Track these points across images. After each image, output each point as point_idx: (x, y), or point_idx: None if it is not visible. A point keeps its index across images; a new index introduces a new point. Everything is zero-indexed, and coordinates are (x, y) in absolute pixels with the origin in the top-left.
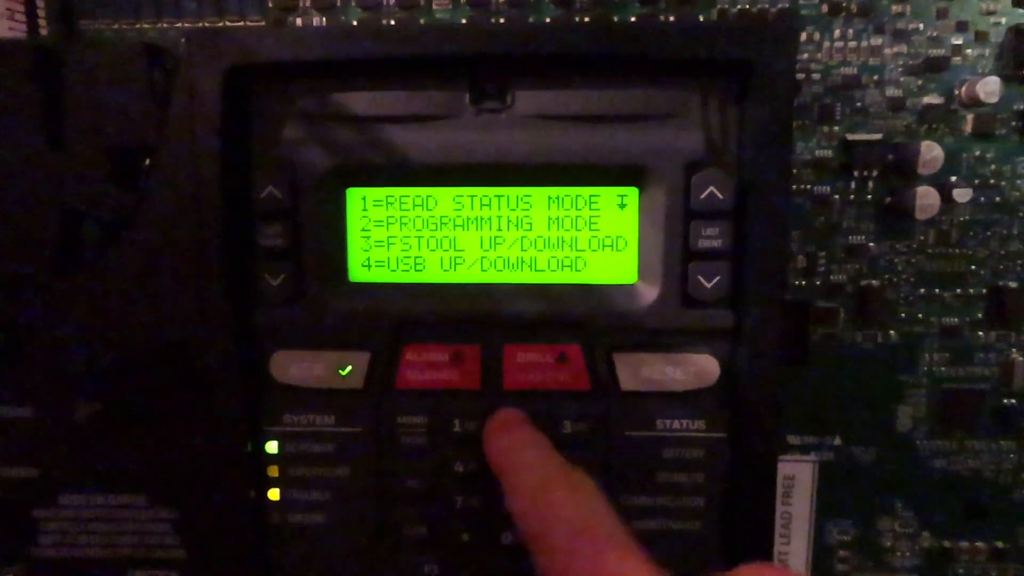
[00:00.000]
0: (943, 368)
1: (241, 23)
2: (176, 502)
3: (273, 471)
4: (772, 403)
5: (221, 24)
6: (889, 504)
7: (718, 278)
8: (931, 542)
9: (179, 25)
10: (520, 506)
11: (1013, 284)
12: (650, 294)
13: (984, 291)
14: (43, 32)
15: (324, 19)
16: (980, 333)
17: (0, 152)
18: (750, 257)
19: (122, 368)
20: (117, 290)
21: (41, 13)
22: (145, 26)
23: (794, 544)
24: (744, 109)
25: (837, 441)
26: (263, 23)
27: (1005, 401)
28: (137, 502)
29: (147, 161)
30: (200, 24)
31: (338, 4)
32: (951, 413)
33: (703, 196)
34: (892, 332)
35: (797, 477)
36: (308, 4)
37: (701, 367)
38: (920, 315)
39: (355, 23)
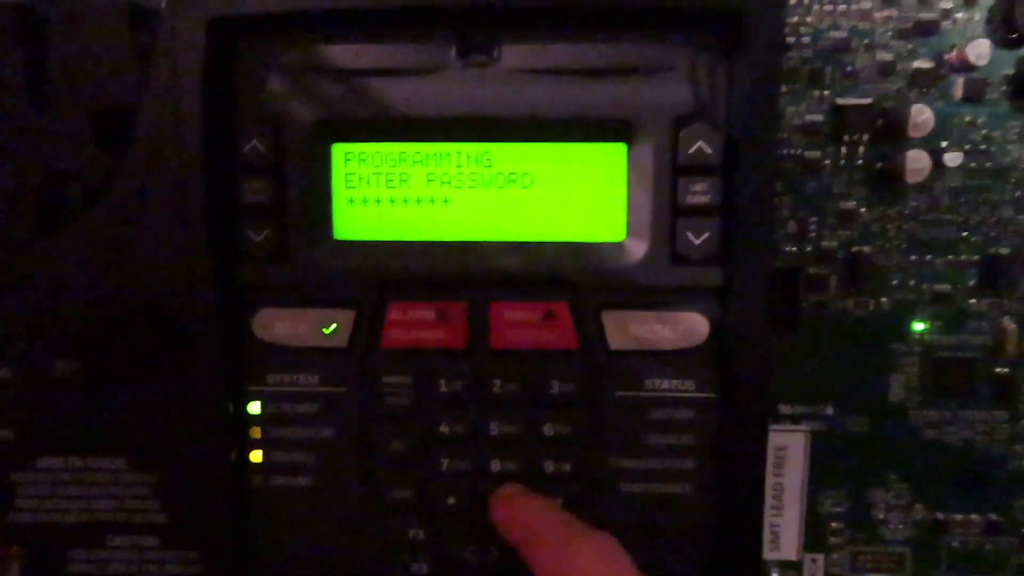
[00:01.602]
0: (935, 336)
1: None
2: (156, 465)
3: (255, 432)
4: (762, 362)
5: None
6: (882, 475)
7: (707, 235)
8: (924, 514)
9: None
10: (546, 567)
11: (1005, 250)
12: (638, 251)
13: (976, 257)
14: None
15: None
16: (972, 300)
17: None
18: (738, 213)
19: (102, 327)
20: (98, 248)
21: None
22: None
23: (786, 515)
24: (732, 63)
25: (829, 411)
26: None
27: (998, 370)
28: (116, 465)
29: (130, 120)
30: None
31: None
32: (944, 382)
33: (691, 151)
34: (884, 299)
35: (789, 447)
36: None
37: (690, 325)
38: (912, 282)
39: None
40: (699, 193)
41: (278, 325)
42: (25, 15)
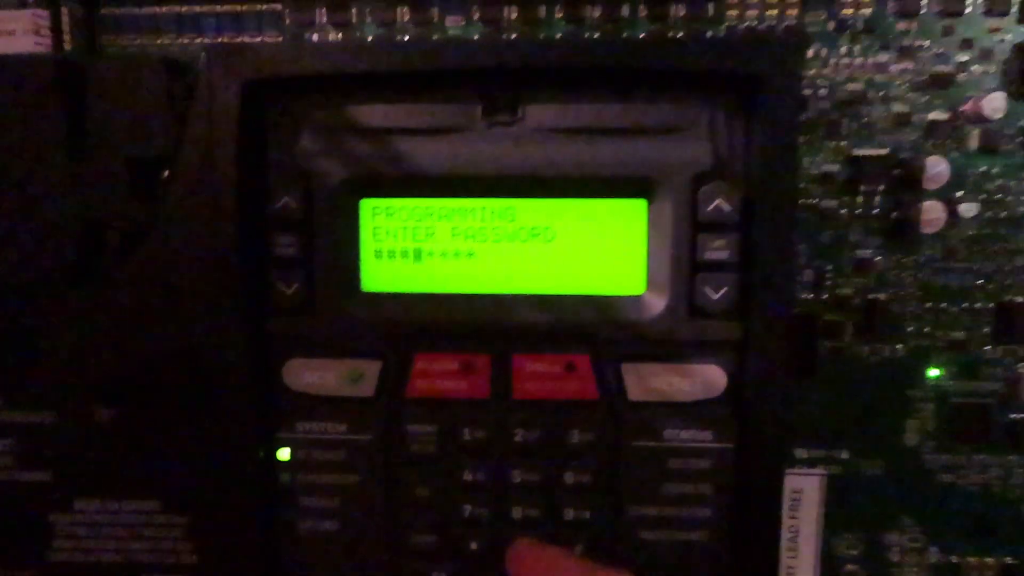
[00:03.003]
0: (950, 382)
1: (259, 39)
2: (189, 508)
3: (285, 478)
4: (779, 414)
5: (240, 40)
6: (897, 518)
7: (725, 289)
8: (939, 557)
9: (199, 41)
10: None
11: (1020, 299)
12: (658, 305)
13: (991, 306)
14: (67, 47)
15: (340, 35)
16: (987, 348)
17: (23, 163)
18: (756, 268)
19: (138, 375)
20: (135, 298)
21: (66, 29)
22: (166, 42)
23: (801, 558)
24: (751, 122)
25: (845, 455)
26: (280, 39)
27: (1012, 416)
28: (151, 508)
29: (166, 173)
30: (220, 40)
31: (354, 21)
32: (959, 427)
33: (710, 208)
34: (899, 346)
35: (804, 490)
36: (325, 21)
37: (708, 378)
38: (927, 329)
39: (370, 39)
40: (717, 249)
41: (307, 375)
42: (66, 68)
